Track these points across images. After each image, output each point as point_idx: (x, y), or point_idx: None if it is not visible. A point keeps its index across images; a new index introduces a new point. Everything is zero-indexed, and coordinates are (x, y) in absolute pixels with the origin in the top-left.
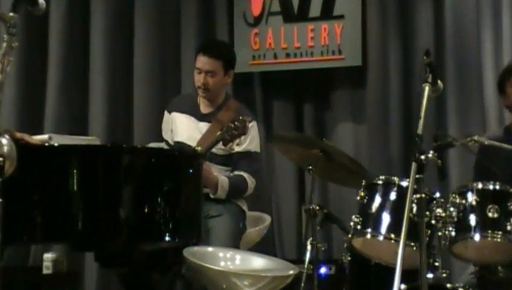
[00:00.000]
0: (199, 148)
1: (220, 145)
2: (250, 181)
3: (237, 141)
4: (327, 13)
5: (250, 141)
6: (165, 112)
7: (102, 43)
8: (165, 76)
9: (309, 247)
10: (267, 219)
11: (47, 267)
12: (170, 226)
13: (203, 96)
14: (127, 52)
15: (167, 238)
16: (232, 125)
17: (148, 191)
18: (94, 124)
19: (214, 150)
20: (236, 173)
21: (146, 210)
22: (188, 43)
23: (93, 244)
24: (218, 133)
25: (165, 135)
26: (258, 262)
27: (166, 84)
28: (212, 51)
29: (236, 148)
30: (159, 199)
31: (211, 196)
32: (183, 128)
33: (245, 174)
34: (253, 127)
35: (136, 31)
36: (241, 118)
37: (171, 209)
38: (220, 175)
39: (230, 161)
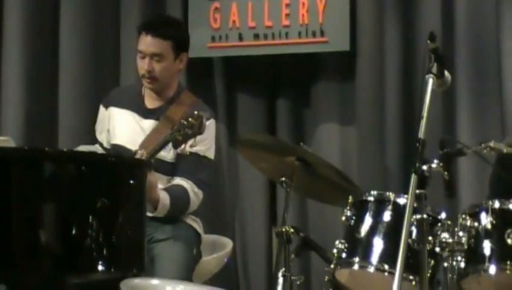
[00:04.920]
0: (142, 152)
1: (170, 148)
2: (193, 193)
3: (191, 142)
4: None
5: (201, 142)
6: (101, 107)
7: (19, 21)
8: (100, 64)
9: (281, 280)
10: (229, 244)
11: None
12: (104, 253)
13: (149, 87)
14: (51, 33)
15: (100, 269)
16: (185, 122)
17: (76, 209)
18: (7, 121)
19: (161, 154)
20: (176, 181)
21: (73, 233)
22: (129, 22)
23: (5, 277)
24: (168, 132)
25: (100, 136)
26: None
27: (101, 74)
28: (159, 29)
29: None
30: (90, 218)
31: (148, 213)
32: (123, 128)
33: (187, 184)
34: (209, 126)
35: (63, 8)
36: (196, 112)
37: (106, 232)
38: (160, 191)
39: None
